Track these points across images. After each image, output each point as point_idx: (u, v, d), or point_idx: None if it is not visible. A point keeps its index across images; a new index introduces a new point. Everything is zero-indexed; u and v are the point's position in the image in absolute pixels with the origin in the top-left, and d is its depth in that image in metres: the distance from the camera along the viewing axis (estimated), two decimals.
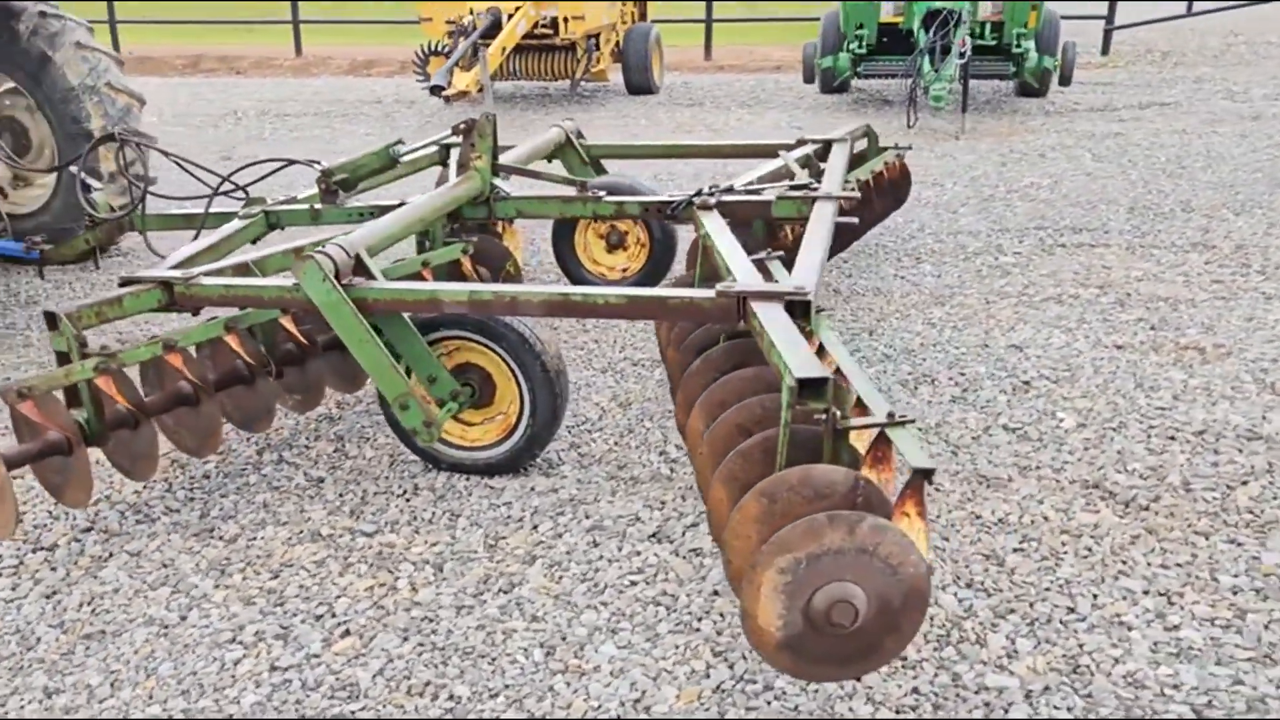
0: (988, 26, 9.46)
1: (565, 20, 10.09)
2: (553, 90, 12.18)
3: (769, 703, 2.30)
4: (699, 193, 3.95)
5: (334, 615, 2.68)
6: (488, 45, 9.56)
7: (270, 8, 18.06)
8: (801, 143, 4.94)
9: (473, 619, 2.64)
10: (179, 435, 3.25)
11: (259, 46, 17.86)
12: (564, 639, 2.54)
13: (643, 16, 12.17)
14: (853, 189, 3.86)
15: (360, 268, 3.11)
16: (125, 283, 3.17)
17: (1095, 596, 2.64)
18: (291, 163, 4.29)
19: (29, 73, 5.36)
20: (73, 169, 4.50)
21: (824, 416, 2.29)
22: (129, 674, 2.48)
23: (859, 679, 2.34)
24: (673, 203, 3.96)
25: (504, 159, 4.75)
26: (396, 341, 3.17)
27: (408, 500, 3.24)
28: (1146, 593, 2.65)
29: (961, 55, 8.55)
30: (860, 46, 9.70)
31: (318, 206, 4.19)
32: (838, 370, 2.62)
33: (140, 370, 3.23)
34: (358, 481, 3.37)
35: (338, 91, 12.89)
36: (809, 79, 10.58)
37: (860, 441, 2.49)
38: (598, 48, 10.94)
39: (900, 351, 4.24)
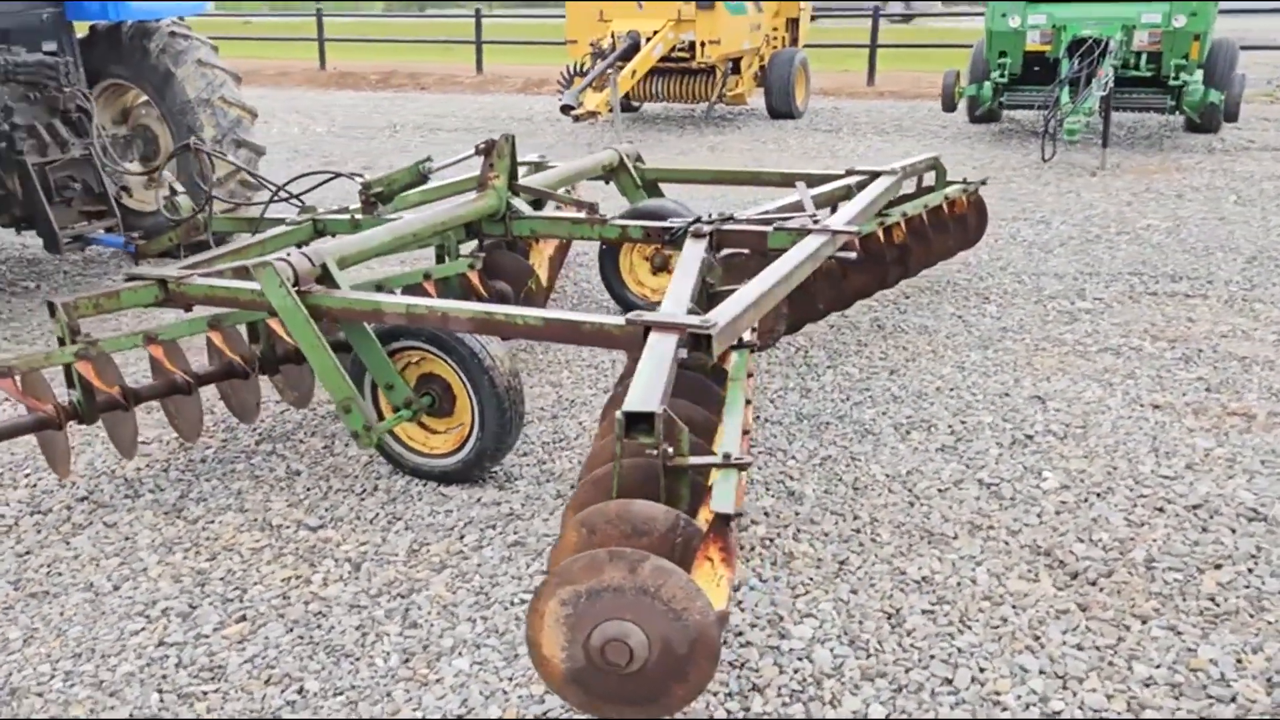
0: (1144, 56, 8.83)
1: (702, 45, 10.17)
2: (698, 112, 12.29)
3: None
4: (697, 220, 3.93)
5: (242, 600, 2.85)
6: (622, 68, 9.78)
7: (461, 27, 19.09)
8: (850, 173, 4.81)
9: (357, 619, 2.75)
10: (174, 420, 3.55)
11: (447, 64, 18.91)
12: (425, 648, 2.60)
13: (794, 41, 12.09)
14: (856, 229, 3.73)
15: (325, 276, 3.30)
16: (130, 278, 3.49)
17: (982, 670, 2.46)
18: (337, 175, 4.58)
19: (156, 86, 5.95)
20: (166, 173, 4.97)
21: (655, 452, 2.26)
22: (44, 633, 2.73)
23: None
24: (672, 229, 3.96)
25: (549, 175, 4.90)
26: (358, 348, 3.34)
27: (361, 500, 3.39)
28: (1042, 673, 2.44)
29: (1104, 87, 8.02)
30: (1003, 75, 9.27)
31: (358, 217, 4.44)
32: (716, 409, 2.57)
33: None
34: (327, 478, 3.55)
35: (498, 109, 13.48)
36: (948, 108, 10.19)
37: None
38: (737, 71, 10.96)
39: (912, 395, 4.05)
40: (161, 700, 2.44)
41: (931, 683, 2.42)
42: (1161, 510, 3.14)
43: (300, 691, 2.46)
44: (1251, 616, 2.62)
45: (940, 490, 3.31)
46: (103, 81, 6.18)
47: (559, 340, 2.99)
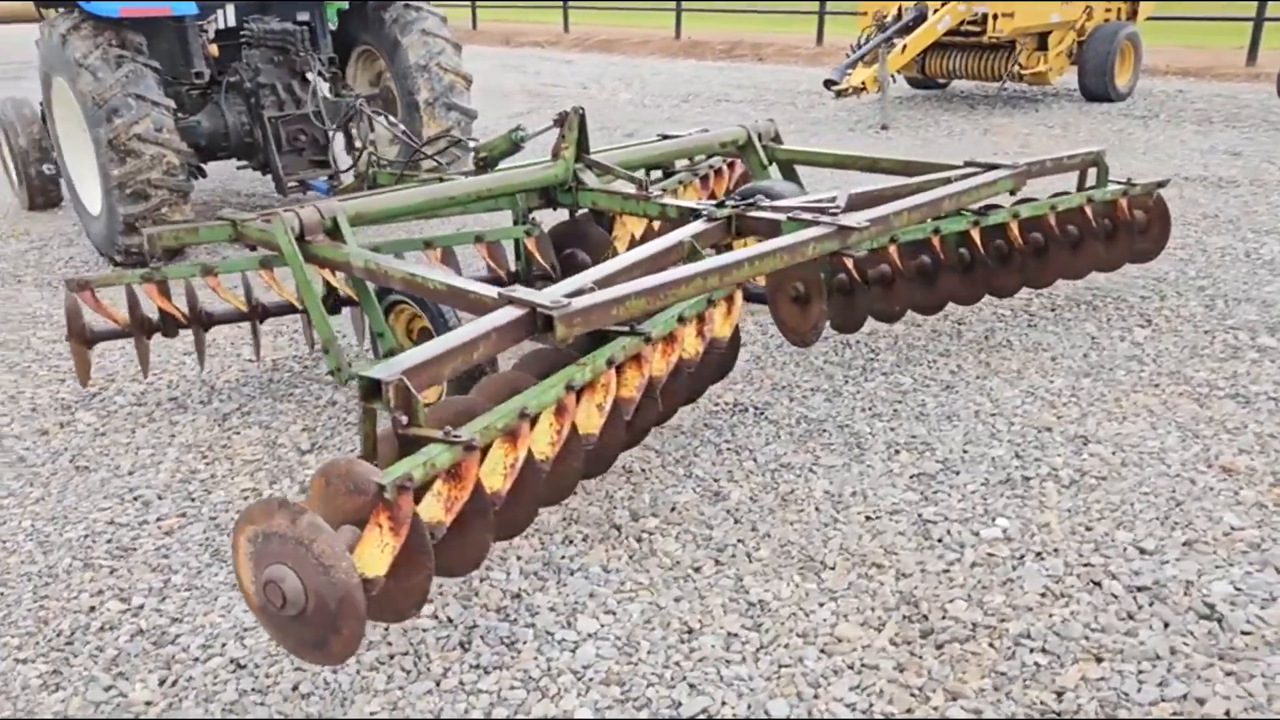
0: None
1: (994, 17, 9.33)
2: (995, 91, 11.30)
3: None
4: (721, 204, 3.81)
5: (195, 500, 3.32)
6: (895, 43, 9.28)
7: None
8: (967, 165, 4.35)
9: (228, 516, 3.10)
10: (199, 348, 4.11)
11: (789, 35, 18.84)
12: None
13: (1132, 15, 10.68)
14: (865, 225, 3.41)
15: (335, 230, 3.65)
16: (216, 218, 4.08)
17: (723, 704, 2.28)
18: (458, 141, 4.95)
19: (388, 52, 6.69)
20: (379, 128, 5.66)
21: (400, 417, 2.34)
22: (50, 497, 3.36)
23: (333, 668, 2.42)
24: (700, 210, 3.85)
25: (661, 148, 4.92)
26: (360, 298, 3.68)
27: (348, 427, 3.74)
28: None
29: None
30: None
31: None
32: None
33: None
34: (348, 409, 3.95)
35: (805, 81, 13.29)
36: None
37: (505, 459, 2.47)
38: (1044, 47, 9.92)
39: (942, 415, 3.65)
40: (69, 564, 2.96)
41: (662, 700, 2.30)
42: (1097, 586, 2.63)
43: (166, 583, 2.86)
44: None
45: (868, 518, 3.01)
46: (357, 48, 7.06)
47: (455, 306, 3.11)
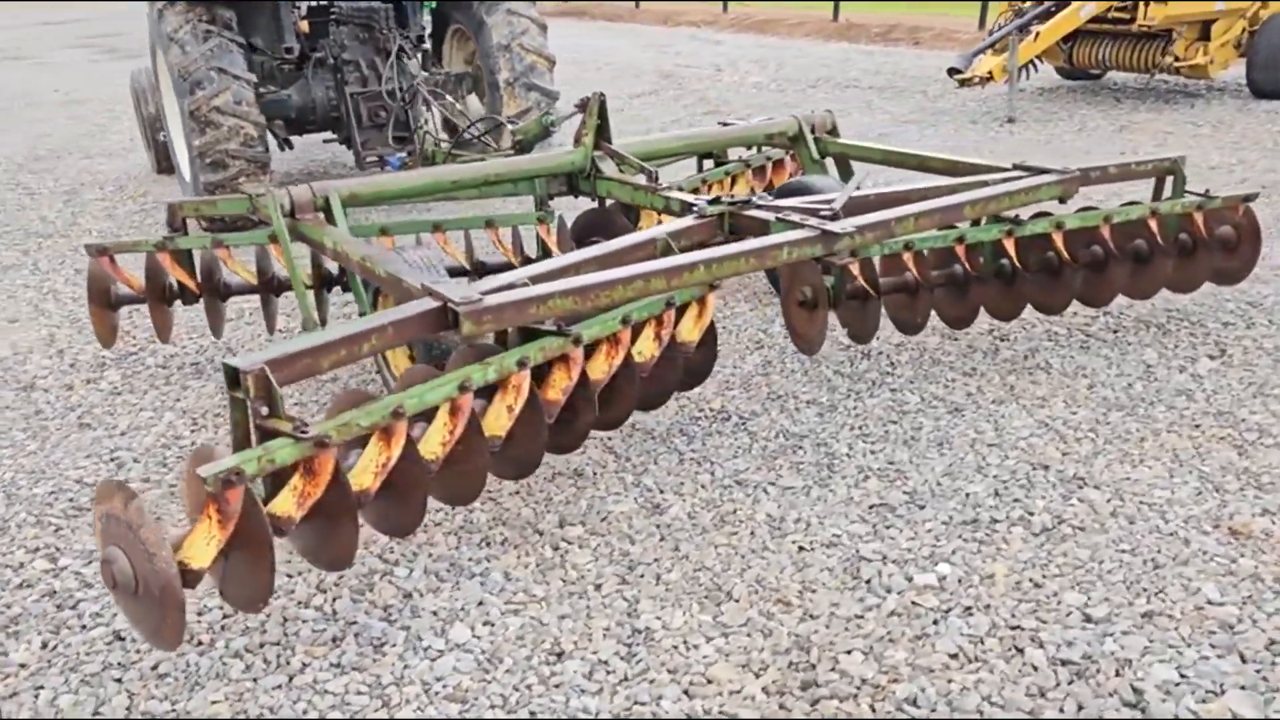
0: None
1: (1145, 4, 8.51)
2: (1154, 84, 10.33)
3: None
4: (717, 200, 3.60)
5: (164, 466, 3.41)
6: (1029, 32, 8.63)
7: None
8: (1016, 168, 3.96)
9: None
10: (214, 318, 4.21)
11: (952, 19, 17.91)
12: None
13: None
14: (851, 231, 3.12)
15: (326, 209, 3.67)
16: (233, 190, 4.18)
17: (531, 714, 2.15)
18: (498, 123, 4.90)
19: (474, 31, 6.72)
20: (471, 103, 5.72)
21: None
22: (42, 451, 3.53)
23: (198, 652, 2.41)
24: (694, 205, 3.65)
25: (697, 135, 4.73)
26: (350, 279, 3.69)
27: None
28: None
29: None
30: None
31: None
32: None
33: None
34: (348, 386, 3.98)
35: (933, 67, 12.57)
36: None
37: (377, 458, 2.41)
38: (1206, 37, 8.99)
39: (933, 442, 3.34)
40: (22, 519, 3.09)
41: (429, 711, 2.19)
42: (1018, 653, 2.33)
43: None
44: None
45: (800, 549, 2.78)
46: (451, 26, 7.13)
47: (391, 293, 3.05)
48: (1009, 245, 3.74)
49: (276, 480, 2.36)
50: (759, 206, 3.49)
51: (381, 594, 2.67)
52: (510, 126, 4.81)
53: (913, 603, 2.53)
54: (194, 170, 5.89)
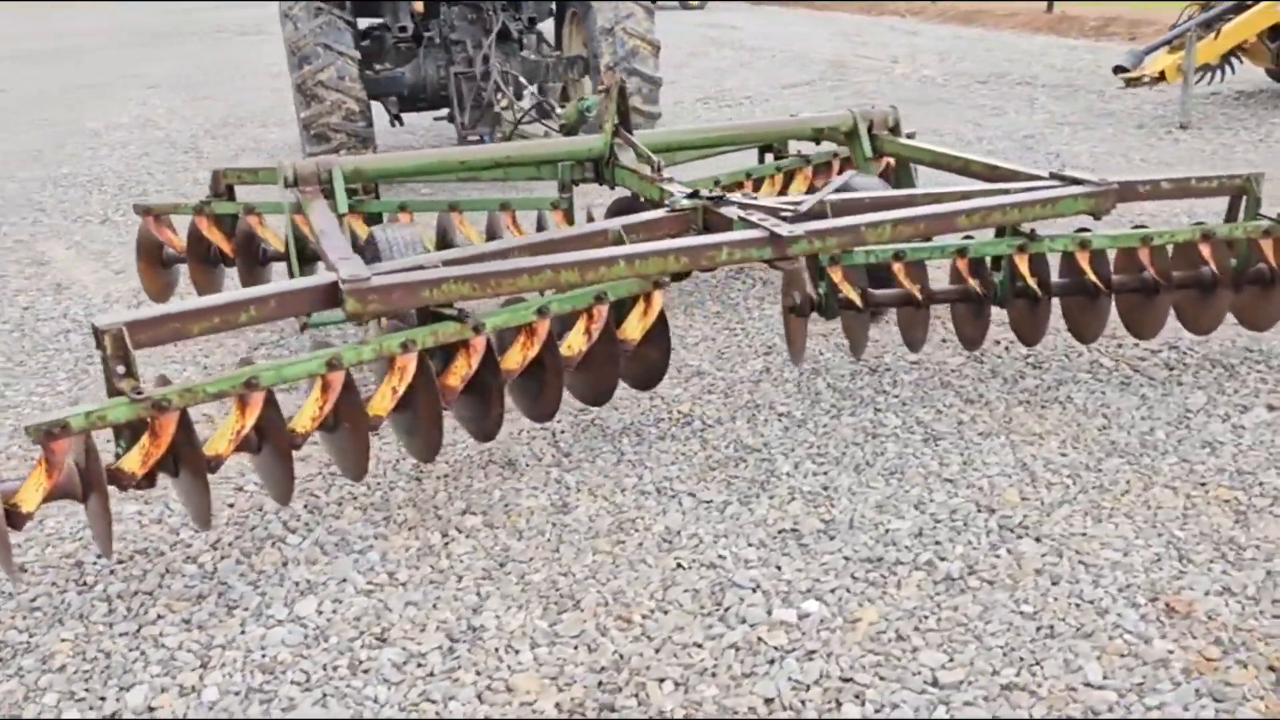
0: None
1: None
2: None
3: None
4: (695, 194, 3.46)
5: None
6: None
7: None
8: (1053, 177, 3.58)
9: None
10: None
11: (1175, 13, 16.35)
12: None
13: None
14: (799, 235, 2.89)
15: (329, 184, 3.79)
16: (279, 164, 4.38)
17: (325, 695, 2.14)
18: (549, 114, 4.90)
19: (582, 15, 6.74)
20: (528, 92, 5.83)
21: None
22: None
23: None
24: (673, 197, 3.51)
25: (758, 126, 4.55)
26: None
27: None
28: None
29: None
30: None
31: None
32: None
33: None
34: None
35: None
36: None
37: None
38: None
39: (883, 472, 3.07)
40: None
41: (303, 699, 2.20)
42: (834, 708, 2.10)
43: None
44: None
45: (677, 566, 2.64)
46: (569, 10, 7.18)
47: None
48: (1020, 262, 3.39)
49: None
50: (731, 204, 3.32)
51: (265, 559, 2.75)
52: (558, 111, 4.81)
53: (758, 639, 2.35)
54: (302, 141, 6.24)
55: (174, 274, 4.46)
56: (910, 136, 5.23)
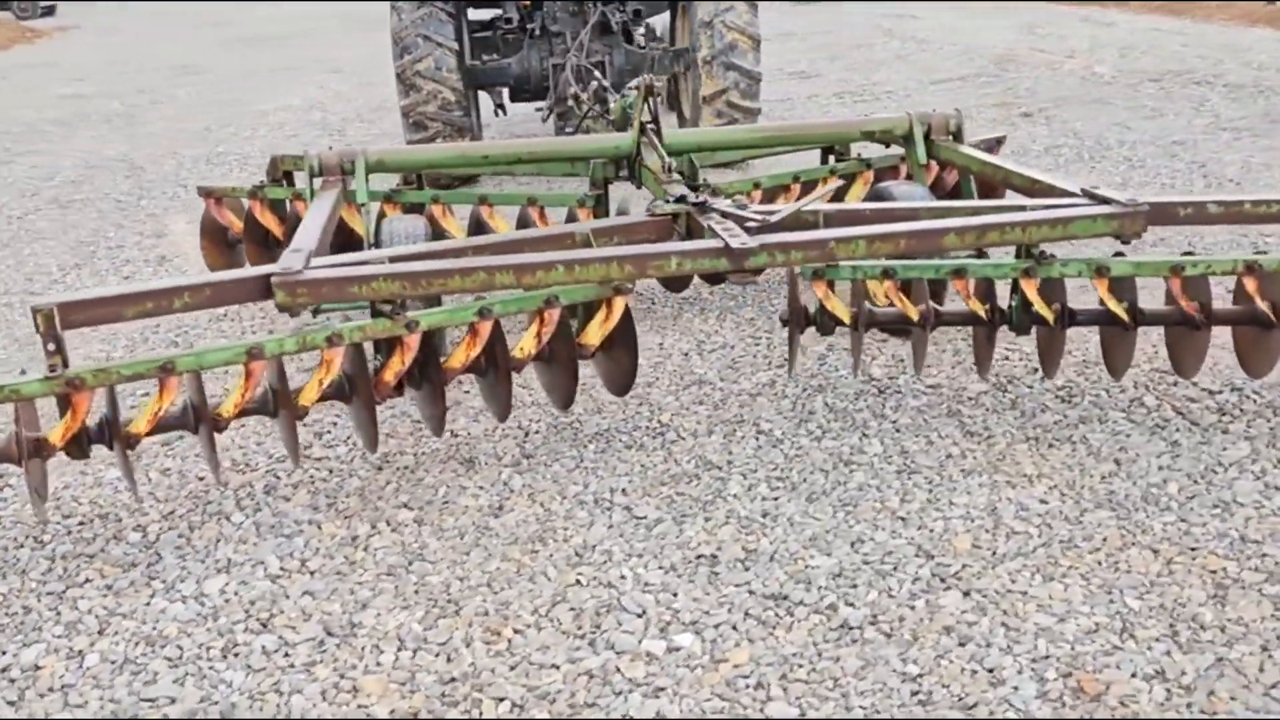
0: None
1: None
2: None
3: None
4: (681, 199, 3.33)
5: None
6: None
7: None
8: (1084, 193, 3.23)
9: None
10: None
11: None
12: None
13: None
14: (754, 247, 2.70)
15: (349, 173, 3.89)
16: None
17: (201, 676, 2.20)
18: (604, 113, 4.86)
19: (685, 7, 6.61)
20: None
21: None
22: None
23: None
24: (664, 201, 3.39)
25: (804, 127, 4.35)
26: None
27: None
28: None
29: None
30: None
31: None
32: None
33: None
34: None
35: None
36: None
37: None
38: None
39: (836, 503, 2.87)
40: None
41: (183, 676, 2.29)
42: None
43: None
44: None
45: (577, 583, 2.56)
46: (679, 3, 7.07)
47: None
48: (1027, 286, 3.08)
49: None
50: (711, 210, 3.18)
51: (204, 534, 2.87)
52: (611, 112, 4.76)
53: (616, 668, 2.25)
54: (404, 128, 6.45)
55: (238, 254, 4.72)
56: (1000, 141, 4.90)
